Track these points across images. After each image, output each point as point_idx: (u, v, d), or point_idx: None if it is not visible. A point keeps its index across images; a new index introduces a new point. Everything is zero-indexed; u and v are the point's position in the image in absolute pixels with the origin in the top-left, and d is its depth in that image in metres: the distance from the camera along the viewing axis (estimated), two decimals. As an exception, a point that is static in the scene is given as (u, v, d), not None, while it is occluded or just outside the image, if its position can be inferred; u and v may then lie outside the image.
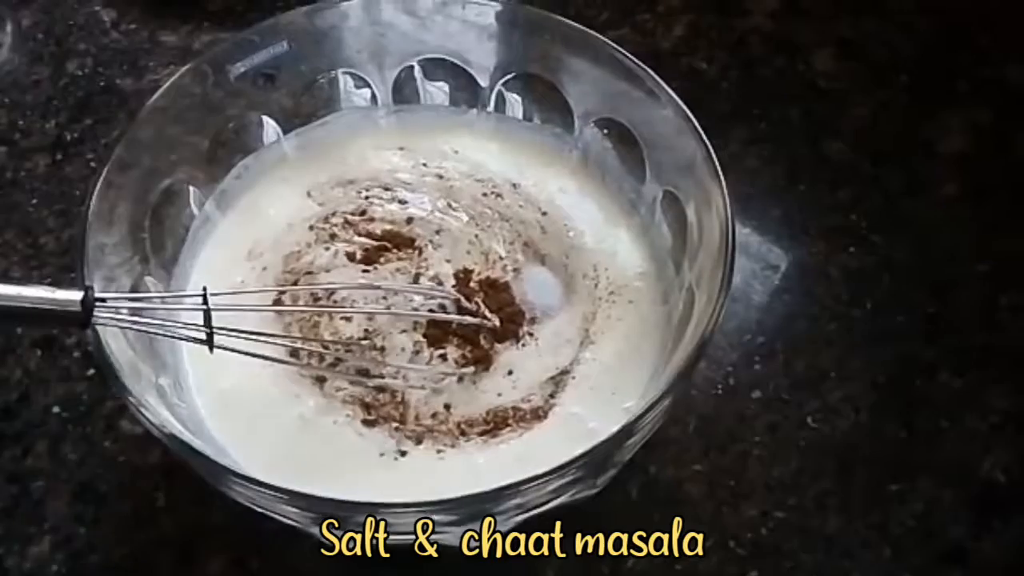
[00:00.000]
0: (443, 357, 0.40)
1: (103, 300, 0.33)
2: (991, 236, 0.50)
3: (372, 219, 0.45)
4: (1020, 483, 0.43)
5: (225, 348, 0.36)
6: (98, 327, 0.34)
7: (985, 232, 0.51)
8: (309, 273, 0.43)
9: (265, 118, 0.47)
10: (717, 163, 0.39)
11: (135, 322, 0.35)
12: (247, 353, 0.36)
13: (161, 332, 0.36)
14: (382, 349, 0.40)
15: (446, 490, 0.31)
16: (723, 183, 0.39)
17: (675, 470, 0.43)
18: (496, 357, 0.41)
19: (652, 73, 0.43)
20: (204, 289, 0.36)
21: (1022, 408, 0.45)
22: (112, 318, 0.34)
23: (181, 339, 0.37)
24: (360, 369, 0.40)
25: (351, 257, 0.44)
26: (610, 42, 0.44)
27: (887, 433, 0.45)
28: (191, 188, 0.45)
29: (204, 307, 0.35)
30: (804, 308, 0.48)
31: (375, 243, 0.44)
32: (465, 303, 0.41)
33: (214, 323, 0.35)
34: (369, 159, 0.48)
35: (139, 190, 0.41)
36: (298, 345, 0.41)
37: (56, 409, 0.45)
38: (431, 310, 0.41)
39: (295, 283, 0.43)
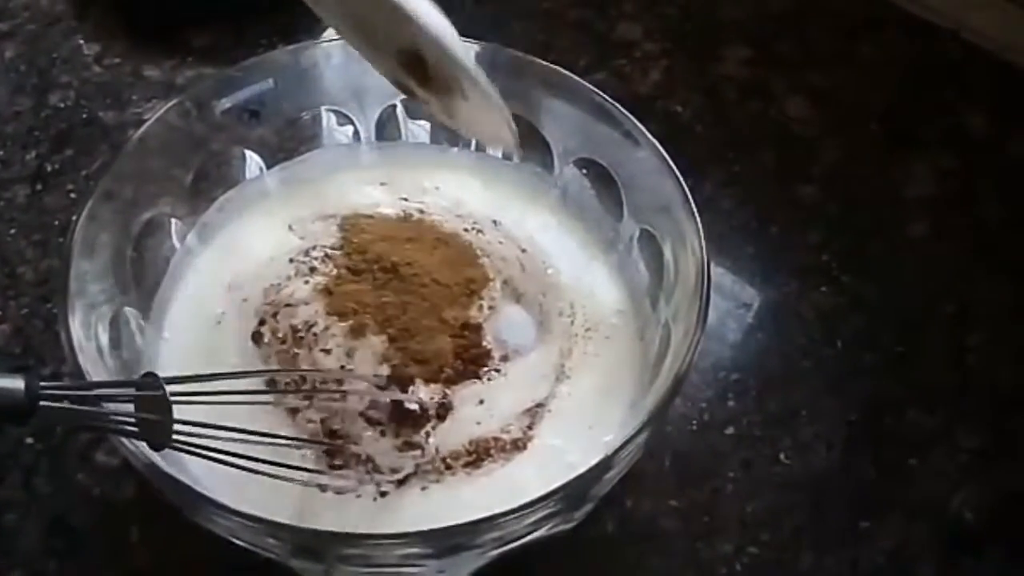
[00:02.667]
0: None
1: (47, 390, 0.29)
2: (957, 277, 0.52)
3: (350, 254, 0.45)
4: (989, 521, 0.44)
5: (183, 448, 0.32)
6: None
7: (951, 273, 0.52)
8: (288, 306, 0.43)
9: (248, 153, 0.48)
10: (693, 203, 0.40)
11: (86, 413, 0.31)
12: (210, 458, 0.33)
13: (114, 429, 0.32)
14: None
15: (430, 524, 0.31)
16: (699, 223, 0.40)
17: (651, 505, 0.44)
18: (456, 395, 0.41)
19: (630, 115, 0.44)
20: (155, 377, 0.32)
21: (990, 446, 0.46)
22: (60, 408, 0.30)
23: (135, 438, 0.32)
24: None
25: (329, 291, 0.44)
26: (589, 85, 0.45)
27: (858, 470, 0.45)
28: (173, 220, 0.45)
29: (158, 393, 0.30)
30: (776, 346, 0.49)
31: (354, 277, 0.45)
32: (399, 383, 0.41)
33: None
34: (350, 194, 0.48)
35: (122, 221, 0.42)
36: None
37: (30, 440, 0.44)
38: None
39: (274, 315, 0.43)
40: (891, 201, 0.55)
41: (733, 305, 0.51)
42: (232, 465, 0.33)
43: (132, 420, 0.32)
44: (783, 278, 0.52)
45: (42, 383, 0.30)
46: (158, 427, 0.32)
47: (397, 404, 0.40)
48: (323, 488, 0.38)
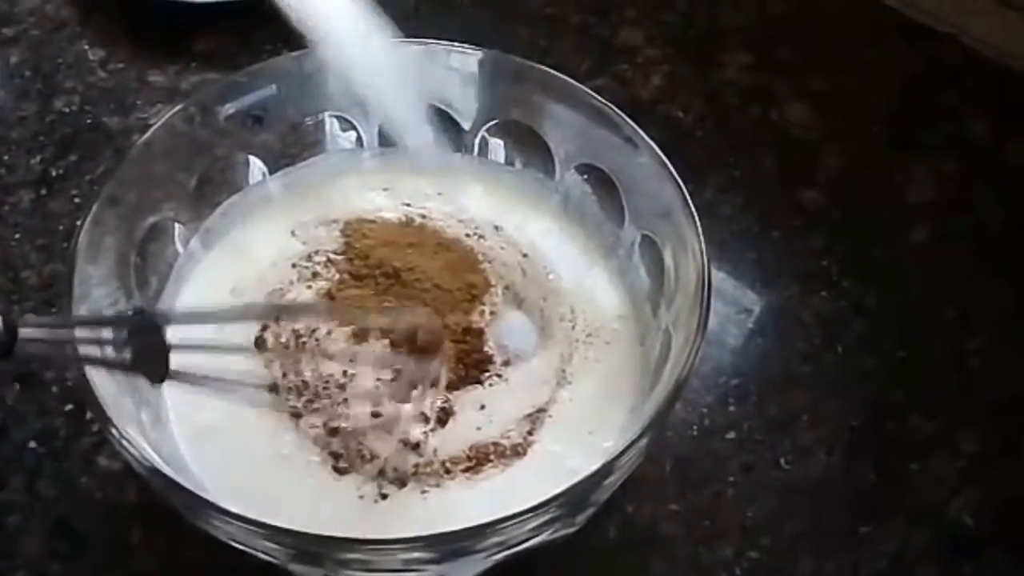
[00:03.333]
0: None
1: (28, 325, 0.28)
2: (958, 282, 0.52)
3: (353, 259, 0.46)
4: (990, 526, 0.44)
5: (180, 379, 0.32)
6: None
7: (952, 278, 0.52)
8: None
9: (252, 158, 0.48)
10: (693, 209, 0.40)
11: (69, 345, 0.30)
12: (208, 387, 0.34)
13: (103, 362, 0.32)
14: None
15: (429, 529, 0.32)
16: (699, 228, 0.40)
17: (652, 510, 0.44)
18: (457, 400, 0.41)
19: (630, 121, 0.44)
20: (146, 313, 0.32)
21: (991, 451, 0.46)
22: (41, 341, 0.29)
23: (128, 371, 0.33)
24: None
25: (331, 296, 0.44)
26: (590, 91, 0.45)
27: (858, 475, 0.45)
28: (176, 225, 0.45)
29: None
30: (777, 351, 0.49)
31: (356, 282, 0.45)
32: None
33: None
34: (353, 199, 0.48)
35: (126, 226, 0.42)
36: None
37: (33, 444, 0.45)
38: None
39: (277, 320, 0.43)
40: (892, 206, 0.55)
41: (734, 310, 0.51)
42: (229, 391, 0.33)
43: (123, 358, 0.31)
44: (784, 283, 0.52)
45: (24, 317, 0.29)
46: (154, 361, 0.32)
47: (400, 407, 0.40)
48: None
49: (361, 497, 0.39)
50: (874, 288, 0.51)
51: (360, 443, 0.40)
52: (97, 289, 0.39)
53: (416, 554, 0.32)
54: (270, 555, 0.34)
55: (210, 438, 0.40)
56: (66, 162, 0.55)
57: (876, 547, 0.43)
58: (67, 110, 0.58)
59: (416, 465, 0.39)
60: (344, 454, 0.40)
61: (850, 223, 0.54)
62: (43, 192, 0.54)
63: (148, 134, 0.42)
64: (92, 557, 0.42)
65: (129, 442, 0.33)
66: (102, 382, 0.35)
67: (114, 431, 0.33)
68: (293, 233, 0.47)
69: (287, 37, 0.58)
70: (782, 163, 0.56)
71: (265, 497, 0.37)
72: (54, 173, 0.55)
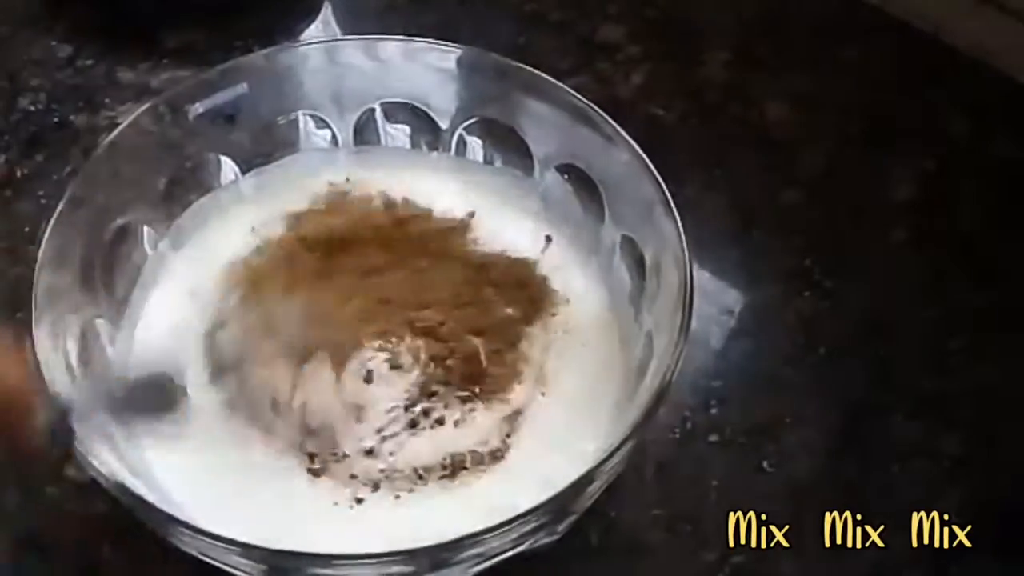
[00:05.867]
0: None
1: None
2: (940, 281, 0.51)
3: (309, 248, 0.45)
4: (974, 528, 0.43)
5: None
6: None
7: (934, 277, 0.52)
8: None
9: (224, 158, 0.47)
10: (674, 208, 0.40)
11: None
12: None
13: None
14: None
15: (405, 538, 0.31)
16: (680, 227, 0.39)
17: (634, 515, 0.43)
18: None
19: (610, 120, 0.43)
20: None
21: (974, 453, 0.46)
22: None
23: None
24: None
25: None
26: (570, 89, 0.45)
27: (841, 477, 0.45)
28: (145, 227, 0.44)
29: None
30: (759, 352, 0.49)
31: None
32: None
33: None
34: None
35: (92, 228, 0.41)
36: None
37: (-2, 454, 0.43)
38: None
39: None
40: (873, 204, 0.55)
41: (716, 311, 0.50)
42: None
43: None
44: (766, 283, 0.51)
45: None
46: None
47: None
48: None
49: (336, 504, 0.38)
50: (856, 288, 0.51)
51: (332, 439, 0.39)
52: (61, 294, 0.38)
53: (394, 568, 0.31)
54: (242, 570, 0.33)
55: (180, 447, 0.38)
56: (32, 162, 0.54)
57: (861, 552, 0.43)
58: (33, 108, 0.56)
59: (382, 470, 0.39)
60: (319, 453, 0.39)
61: (831, 222, 0.53)
62: (8, 193, 0.52)
63: (114, 133, 0.41)
64: (59, 571, 0.41)
65: (92, 455, 0.32)
66: (63, 386, 0.34)
67: (78, 445, 0.32)
68: (252, 230, 0.46)
69: (260, 33, 0.58)
70: (763, 162, 0.56)
71: (238, 507, 0.36)
72: (19, 173, 0.53)
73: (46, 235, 0.37)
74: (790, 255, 0.52)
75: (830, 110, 0.58)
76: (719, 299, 0.51)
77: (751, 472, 0.45)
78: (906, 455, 0.46)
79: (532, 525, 0.33)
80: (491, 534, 0.31)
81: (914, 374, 0.48)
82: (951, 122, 0.58)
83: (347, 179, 0.48)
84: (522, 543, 0.34)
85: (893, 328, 0.50)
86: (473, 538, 0.31)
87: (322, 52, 0.47)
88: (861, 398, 0.47)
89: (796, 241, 0.53)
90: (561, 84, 0.45)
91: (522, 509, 0.32)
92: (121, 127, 0.41)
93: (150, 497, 0.32)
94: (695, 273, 0.39)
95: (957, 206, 0.55)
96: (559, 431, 0.41)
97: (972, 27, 0.60)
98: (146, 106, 0.42)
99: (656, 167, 0.41)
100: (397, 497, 0.38)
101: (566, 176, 0.47)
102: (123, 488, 0.32)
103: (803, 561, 0.42)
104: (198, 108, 0.43)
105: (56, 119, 0.56)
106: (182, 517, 0.32)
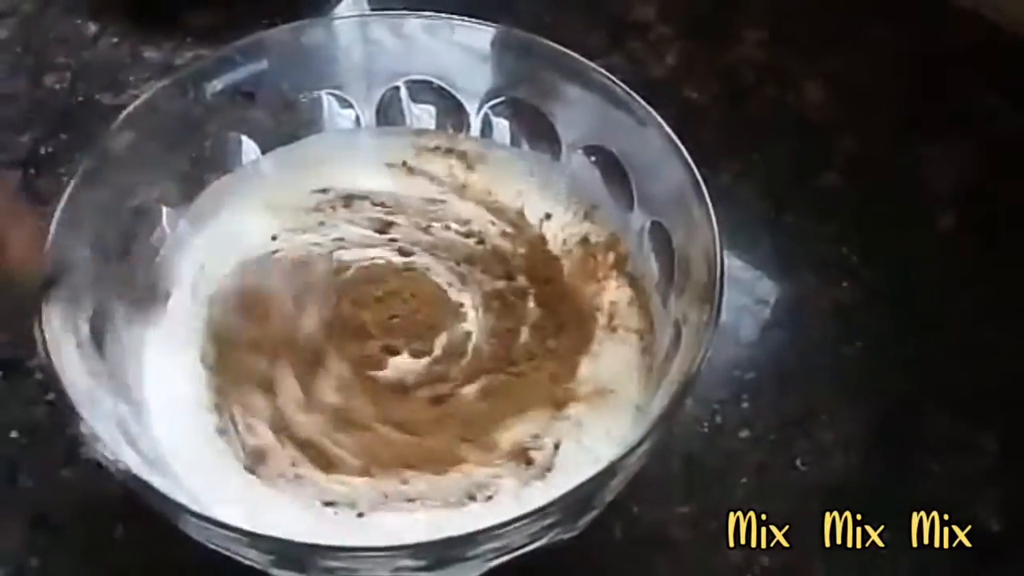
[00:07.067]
0: None
1: None
2: (982, 270, 0.49)
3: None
4: (1014, 528, 0.42)
5: None
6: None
7: (976, 266, 0.50)
8: None
9: (244, 137, 0.46)
10: (706, 192, 0.38)
11: None
12: None
13: None
14: None
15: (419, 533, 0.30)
16: (711, 213, 0.38)
17: (659, 511, 0.42)
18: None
19: (642, 101, 0.42)
20: None
21: (1014, 450, 0.44)
22: None
23: None
24: None
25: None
26: (600, 69, 0.43)
27: (877, 476, 0.43)
28: (164, 207, 0.43)
29: None
30: (794, 344, 0.47)
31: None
32: None
33: None
34: (343, 177, 0.46)
35: (108, 208, 0.40)
36: None
37: (14, 434, 0.43)
38: None
39: None
40: (912, 190, 0.53)
41: (749, 300, 0.48)
42: None
43: None
44: (801, 272, 0.49)
45: None
46: None
47: None
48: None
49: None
50: (894, 277, 0.49)
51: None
52: (75, 274, 0.37)
53: (406, 561, 0.30)
54: (252, 560, 0.32)
55: (193, 435, 0.38)
56: (56, 140, 0.53)
57: (897, 552, 0.41)
58: (58, 87, 0.56)
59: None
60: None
61: (869, 208, 0.52)
62: (31, 171, 0.52)
63: (129, 109, 0.40)
64: (72, 551, 0.40)
65: (98, 440, 0.31)
66: (75, 376, 0.33)
67: (84, 429, 0.31)
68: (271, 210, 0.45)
69: (287, 13, 0.57)
70: (799, 146, 0.54)
71: (251, 497, 0.35)
72: (43, 152, 0.53)
73: (58, 211, 0.37)
74: (826, 243, 0.50)
75: (868, 91, 0.56)
76: (752, 288, 0.49)
77: (783, 469, 0.43)
78: (945, 452, 0.44)
79: (549, 520, 0.31)
80: (505, 529, 0.30)
81: (954, 368, 0.46)
82: (994, 104, 0.56)
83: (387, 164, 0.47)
84: (539, 539, 0.33)
85: (933, 319, 0.48)
86: (487, 533, 0.30)
87: (345, 28, 0.46)
88: (899, 392, 0.46)
89: (833, 228, 0.51)
90: (592, 64, 0.43)
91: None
92: (136, 103, 0.40)
93: (156, 482, 0.31)
94: (727, 261, 0.37)
95: (999, 193, 0.52)
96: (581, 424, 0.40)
97: (1015, 2, 0.57)
98: (163, 83, 0.41)
99: (688, 151, 0.40)
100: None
101: (593, 159, 0.45)
102: (128, 473, 0.31)
103: (836, 562, 0.41)
104: (216, 85, 0.42)
105: (81, 97, 0.55)
106: (191, 504, 0.31)
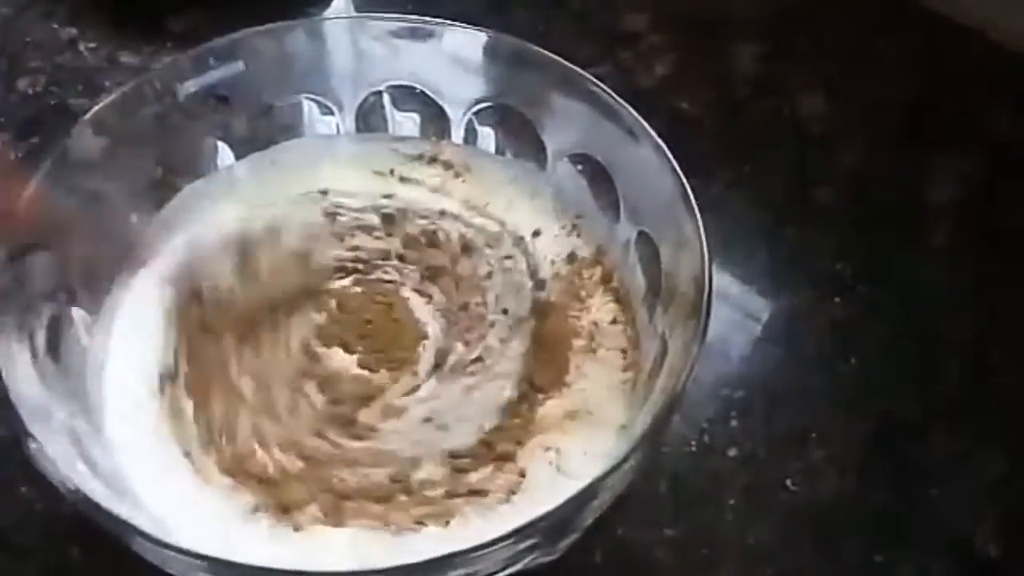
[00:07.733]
0: None
1: None
2: (981, 287, 0.48)
3: None
4: (1012, 553, 0.40)
5: None
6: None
7: (975, 283, 0.48)
8: None
9: (219, 143, 0.44)
10: (694, 202, 0.37)
11: None
12: None
13: None
14: None
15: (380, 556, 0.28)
16: (700, 224, 0.36)
17: (644, 533, 0.40)
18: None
19: (631, 110, 0.40)
20: None
21: (1016, 472, 0.43)
22: None
23: None
24: None
25: None
26: (591, 77, 0.42)
27: (873, 498, 0.42)
28: (131, 212, 0.42)
29: None
30: (786, 361, 0.46)
31: None
32: None
33: None
34: (321, 183, 0.45)
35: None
36: None
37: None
38: None
39: None
40: (911, 205, 0.51)
41: (740, 316, 0.47)
42: None
43: None
44: (795, 287, 0.48)
45: None
46: None
47: None
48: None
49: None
50: (891, 293, 0.48)
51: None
52: (32, 281, 0.35)
53: (370, 587, 0.29)
54: (207, 584, 0.30)
55: (152, 450, 0.36)
56: (27, 144, 0.52)
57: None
58: (31, 91, 0.54)
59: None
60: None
61: (866, 223, 0.50)
62: (2, 176, 0.51)
63: (95, 110, 0.38)
64: (30, 572, 0.38)
65: (45, 458, 0.29)
66: (27, 389, 0.31)
67: (33, 445, 0.30)
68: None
69: (270, 18, 0.56)
70: (795, 158, 0.53)
71: (209, 518, 0.33)
72: (14, 156, 0.51)
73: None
74: (821, 258, 0.49)
75: (866, 105, 0.55)
76: (744, 303, 0.48)
77: (774, 491, 0.41)
78: (944, 474, 0.42)
79: (526, 544, 0.30)
80: (478, 553, 0.28)
81: (953, 386, 0.45)
82: (995, 119, 0.55)
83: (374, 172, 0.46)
84: (516, 563, 0.31)
85: (931, 337, 0.46)
86: (461, 556, 0.28)
87: (327, 31, 0.45)
88: (896, 412, 0.44)
89: (828, 243, 0.49)
90: (581, 72, 0.42)
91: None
92: (102, 104, 0.39)
93: (109, 502, 0.30)
94: (719, 275, 0.36)
95: (1001, 208, 0.51)
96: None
97: (1018, 20, 0.56)
98: (132, 84, 0.40)
99: (679, 162, 0.38)
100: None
101: (580, 168, 0.44)
102: (77, 494, 0.29)
103: (827, 588, 0.39)
104: (189, 87, 0.41)
105: (54, 102, 0.54)
106: (145, 526, 0.30)
